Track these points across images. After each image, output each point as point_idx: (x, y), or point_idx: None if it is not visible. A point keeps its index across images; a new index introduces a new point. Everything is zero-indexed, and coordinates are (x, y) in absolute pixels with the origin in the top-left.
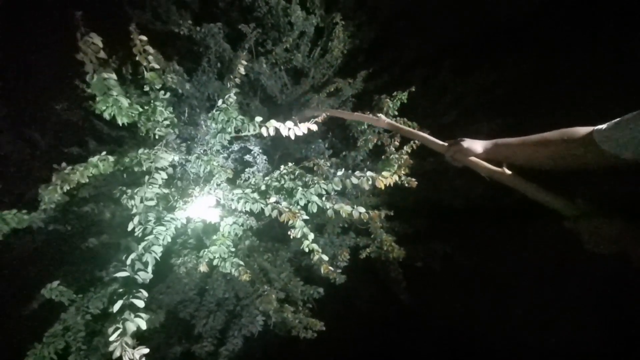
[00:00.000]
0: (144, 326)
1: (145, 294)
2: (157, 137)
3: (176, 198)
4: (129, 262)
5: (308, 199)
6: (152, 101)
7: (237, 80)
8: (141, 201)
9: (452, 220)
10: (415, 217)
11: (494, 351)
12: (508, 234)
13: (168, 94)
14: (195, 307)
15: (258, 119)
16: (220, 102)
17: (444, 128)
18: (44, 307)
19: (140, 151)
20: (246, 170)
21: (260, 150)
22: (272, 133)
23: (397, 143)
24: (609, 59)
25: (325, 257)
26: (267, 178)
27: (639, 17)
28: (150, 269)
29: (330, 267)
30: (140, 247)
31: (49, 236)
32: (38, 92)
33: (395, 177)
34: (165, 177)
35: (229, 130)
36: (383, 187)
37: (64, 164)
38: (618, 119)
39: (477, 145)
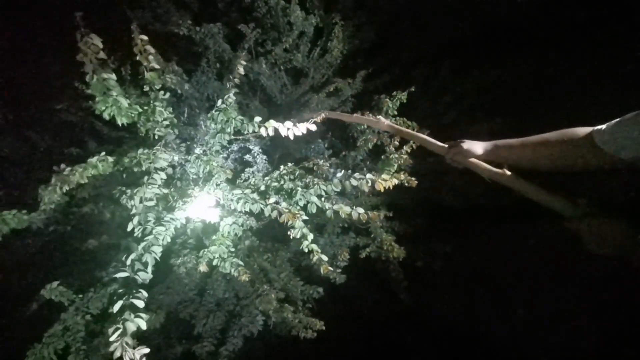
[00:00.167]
0: (144, 326)
1: (145, 294)
2: (156, 137)
3: (175, 198)
4: (128, 262)
5: (307, 199)
6: (151, 101)
7: (237, 81)
8: (140, 201)
9: (453, 220)
10: (415, 217)
11: (493, 351)
12: (508, 234)
13: (168, 94)
14: (195, 307)
15: (257, 119)
16: (219, 102)
17: (444, 128)
18: (44, 308)
19: (139, 151)
20: (246, 170)
21: (260, 151)
22: (271, 133)
23: (396, 143)
24: (608, 59)
25: (325, 258)
26: (266, 178)
27: (639, 17)
28: (150, 269)
29: (330, 267)
30: (140, 247)
31: (48, 237)
32: (38, 92)
33: (395, 181)
34: (165, 177)
35: (228, 130)
36: (382, 190)
37: (62, 165)
38: (617, 120)
39: (477, 147)
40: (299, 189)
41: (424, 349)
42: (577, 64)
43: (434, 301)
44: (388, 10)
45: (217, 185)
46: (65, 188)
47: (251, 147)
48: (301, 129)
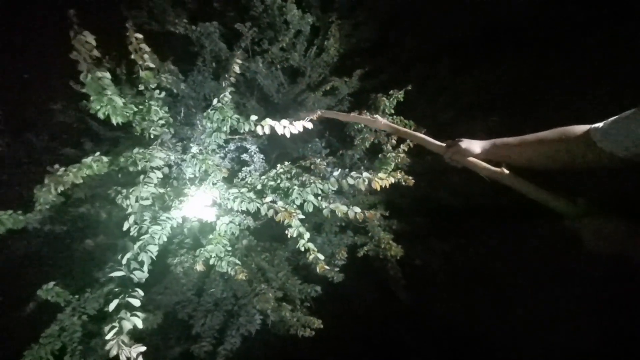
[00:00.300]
0: (140, 325)
1: (141, 292)
2: (152, 136)
3: (172, 198)
4: (124, 261)
5: (304, 198)
6: (146, 101)
7: (232, 79)
8: (136, 200)
9: (451, 219)
10: (413, 216)
11: (493, 350)
12: (507, 233)
13: (163, 94)
14: (193, 307)
15: (253, 117)
16: (215, 101)
17: (441, 127)
18: (41, 308)
19: (135, 151)
20: (243, 169)
21: (257, 150)
22: (267, 131)
23: (394, 142)
24: (605, 58)
25: (321, 256)
26: (263, 177)
27: (636, 14)
28: (146, 268)
29: (326, 266)
30: (136, 246)
31: (45, 237)
32: (33, 92)
33: (392, 179)
34: (161, 176)
35: (225, 129)
36: (379, 189)
37: (56, 166)
38: (614, 117)
39: (475, 146)
40: (296, 187)
41: (422, 348)
42: (574, 62)
43: (433, 300)
44: (384, 9)
45: (214, 184)
46: (60, 188)
47: (248, 146)
48: (297, 127)
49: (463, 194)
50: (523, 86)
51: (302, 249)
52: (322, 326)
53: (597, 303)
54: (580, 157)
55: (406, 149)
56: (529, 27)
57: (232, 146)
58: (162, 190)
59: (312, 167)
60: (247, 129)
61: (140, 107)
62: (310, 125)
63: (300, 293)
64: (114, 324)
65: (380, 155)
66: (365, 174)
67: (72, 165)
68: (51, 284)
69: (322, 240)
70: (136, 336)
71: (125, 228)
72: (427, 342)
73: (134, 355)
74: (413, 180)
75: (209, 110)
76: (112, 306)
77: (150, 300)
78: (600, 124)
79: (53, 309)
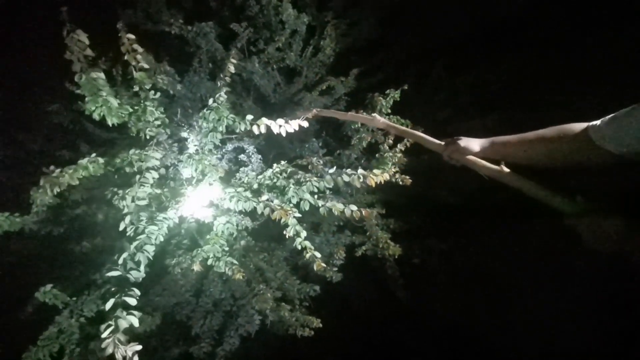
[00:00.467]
0: (136, 323)
1: (137, 292)
2: (148, 137)
3: (169, 198)
4: (120, 261)
5: (300, 196)
6: (142, 101)
7: (228, 79)
8: (132, 201)
9: (449, 218)
10: (411, 214)
11: (492, 350)
12: (505, 232)
13: (158, 94)
14: (192, 308)
15: (249, 117)
16: (211, 101)
17: (438, 125)
18: (39, 310)
19: (131, 151)
20: (240, 169)
21: (255, 150)
22: (263, 131)
23: (390, 141)
24: (603, 55)
25: (318, 255)
26: (259, 177)
27: (636, 14)
28: (142, 268)
29: (324, 264)
30: (132, 246)
31: (42, 239)
32: (29, 94)
33: (387, 175)
34: (157, 176)
35: (220, 129)
36: (374, 185)
37: (52, 167)
38: (612, 115)
39: (473, 144)
40: (292, 186)
41: (421, 347)
42: (571, 60)
43: (431, 299)
44: (381, 8)
45: (210, 184)
46: (56, 190)
47: (245, 146)
48: (293, 125)
49: (461, 192)
50: (519, 83)
51: (299, 247)
52: (321, 326)
53: (597, 303)
54: (579, 154)
55: (403, 149)
56: (526, 26)
57: (229, 147)
58: (158, 191)
59: (309, 166)
60: (243, 129)
61: (136, 107)
62: (306, 124)
63: (299, 293)
64: (109, 322)
65: (377, 155)
66: (360, 171)
67: (68, 166)
68: (49, 286)
69: (320, 240)
70: (134, 338)
71: (121, 228)
72: (426, 341)
73: (130, 354)
74: (410, 180)
75: (204, 110)
76: (108, 305)
77: (148, 301)
78: (598, 122)
79: (51, 311)
